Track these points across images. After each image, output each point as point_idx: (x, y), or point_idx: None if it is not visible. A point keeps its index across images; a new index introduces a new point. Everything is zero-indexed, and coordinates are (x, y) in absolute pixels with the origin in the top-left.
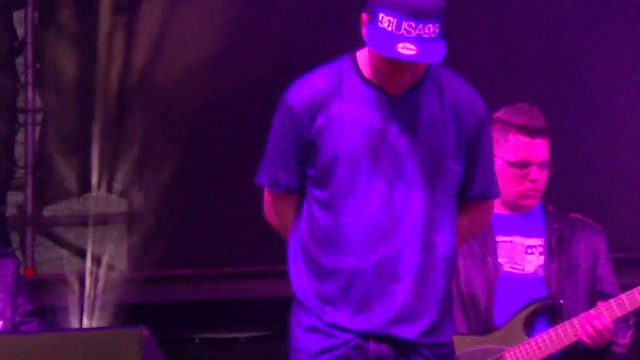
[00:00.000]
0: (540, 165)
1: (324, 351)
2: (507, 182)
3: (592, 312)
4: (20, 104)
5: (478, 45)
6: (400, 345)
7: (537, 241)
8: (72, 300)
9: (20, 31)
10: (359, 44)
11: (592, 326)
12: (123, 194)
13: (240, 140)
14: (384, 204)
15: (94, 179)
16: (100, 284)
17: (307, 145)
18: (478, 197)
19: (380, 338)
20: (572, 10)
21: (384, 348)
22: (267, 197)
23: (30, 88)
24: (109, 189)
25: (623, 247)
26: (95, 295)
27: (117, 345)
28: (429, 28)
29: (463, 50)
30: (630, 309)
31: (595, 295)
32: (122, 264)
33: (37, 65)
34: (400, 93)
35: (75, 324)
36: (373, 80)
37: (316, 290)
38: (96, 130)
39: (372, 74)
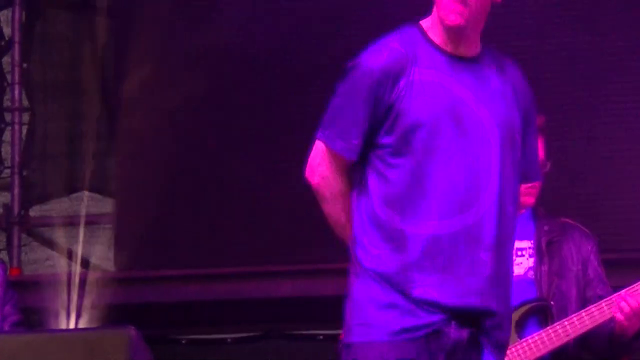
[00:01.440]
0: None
1: (405, 330)
2: None
3: (626, 290)
4: (6, 103)
5: None
6: (481, 328)
7: (527, 243)
8: (59, 300)
9: (7, 30)
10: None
11: (628, 303)
12: (110, 194)
13: (228, 142)
14: (469, 170)
15: (81, 179)
16: (87, 285)
17: (386, 110)
18: (521, 177)
19: (465, 319)
20: (563, 8)
21: (464, 334)
22: (326, 159)
23: (17, 87)
24: (96, 190)
25: (615, 248)
26: (82, 296)
27: (104, 345)
28: None
29: None
30: None
31: (590, 299)
32: (109, 265)
33: (24, 65)
34: (472, 54)
35: (62, 325)
36: (444, 47)
37: (399, 258)
38: (83, 129)
39: (442, 40)
